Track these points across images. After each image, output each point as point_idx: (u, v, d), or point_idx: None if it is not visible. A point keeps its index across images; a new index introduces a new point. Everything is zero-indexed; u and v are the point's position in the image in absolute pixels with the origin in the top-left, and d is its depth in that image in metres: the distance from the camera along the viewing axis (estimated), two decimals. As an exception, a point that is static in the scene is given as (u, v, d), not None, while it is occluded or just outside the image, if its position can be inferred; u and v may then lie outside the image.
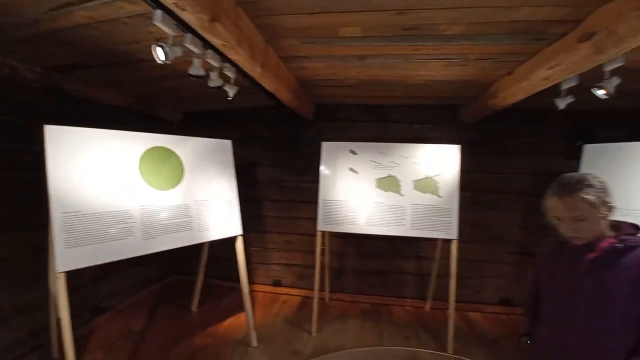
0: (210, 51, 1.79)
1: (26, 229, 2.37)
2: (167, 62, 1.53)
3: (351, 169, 2.85)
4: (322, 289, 3.59)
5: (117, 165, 2.08)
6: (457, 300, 3.38)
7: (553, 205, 1.14)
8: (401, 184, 2.77)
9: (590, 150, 2.34)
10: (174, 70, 2.29)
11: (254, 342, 2.76)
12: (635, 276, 1.06)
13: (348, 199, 2.83)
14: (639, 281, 1.06)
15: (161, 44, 1.54)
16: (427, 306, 3.54)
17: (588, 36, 1.53)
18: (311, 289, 2.93)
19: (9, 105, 2.28)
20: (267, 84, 2.24)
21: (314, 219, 2.91)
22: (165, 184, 2.30)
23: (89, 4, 1.51)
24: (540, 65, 1.88)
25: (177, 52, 1.55)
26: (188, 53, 1.69)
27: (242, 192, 2.95)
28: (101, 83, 2.75)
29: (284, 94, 2.56)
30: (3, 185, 2.26)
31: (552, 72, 1.83)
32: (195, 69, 1.72)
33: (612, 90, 1.79)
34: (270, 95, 2.61)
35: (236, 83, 2.19)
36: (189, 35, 1.58)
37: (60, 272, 1.80)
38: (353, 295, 3.73)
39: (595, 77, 1.80)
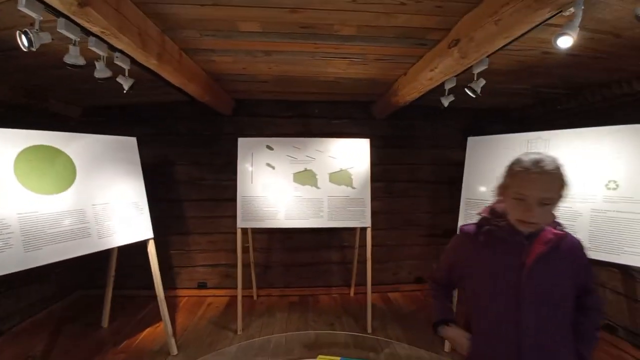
0: (94, 38, 1.63)
1: None
2: (33, 49, 1.36)
3: (268, 165, 2.87)
4: (249, 286, 3.56)
5: (-16, 168, 1.78)
6: (378, 283, 3.68)
7: (527, 182, 0.95)
8: (317, 177, 2.88)
9: (473, 142, 2.72)
10: (60, 59, 2.03)
11: (174, 351, 2.62)
12: (574, 265, 1.04)
13: (266, 194, 2.84)
14: (577, 269, 1.04)
15: (26, 29, 1.36)
16: (352, 292, 3.75)
17: (455, 42, 1.77)
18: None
19: None
20: (169, 77, 2.13)
21: (236, 216, 2.86)
22: (52, 188, 2.04)
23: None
24: (425, 68, 2.13)
25: (46, 38, 1.38)
26: (66, 40, 1.53)
27: (158, 192, 2.77)
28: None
29: (192, 88, 2.46)
30: None
31: (433, 73, 2.09)
32: (72, 58, 1.55)
33: (478, 90, 2.10)
34: (180, 90, 2.49)
35: (132, 75, 2.03)
36: (61, 20, 1.42)
37: None
38: (281, 289, 3.77)
39: (466, 79, 2.09)
